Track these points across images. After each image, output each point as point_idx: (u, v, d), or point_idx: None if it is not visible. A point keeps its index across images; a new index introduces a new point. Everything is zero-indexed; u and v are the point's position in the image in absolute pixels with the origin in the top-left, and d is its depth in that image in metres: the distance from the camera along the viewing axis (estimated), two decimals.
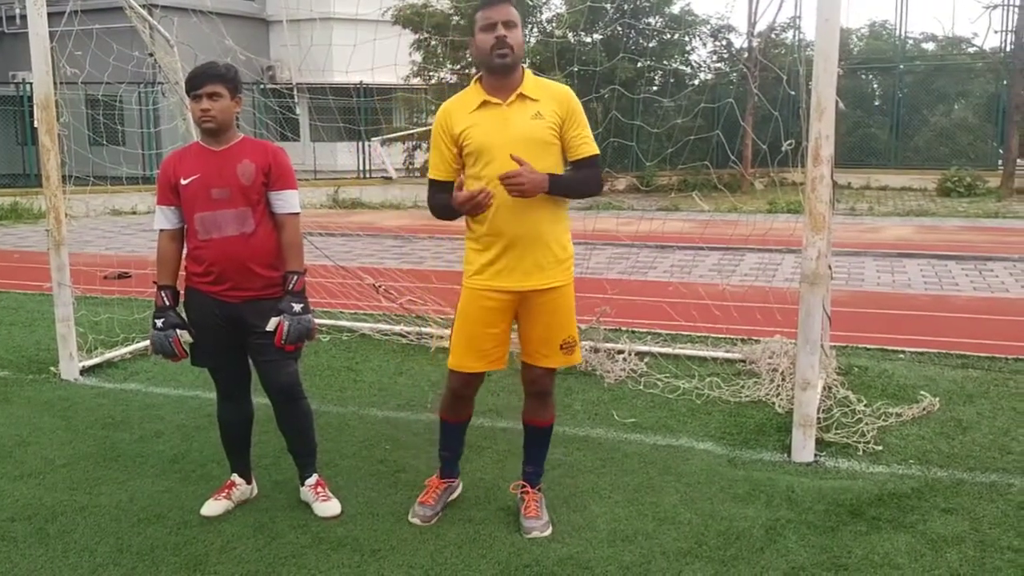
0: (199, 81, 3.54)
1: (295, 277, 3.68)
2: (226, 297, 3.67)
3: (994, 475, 4.19)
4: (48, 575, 3.34)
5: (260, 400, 3.92)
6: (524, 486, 3.75)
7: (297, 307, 3.65)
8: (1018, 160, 21.19)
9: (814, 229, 4.26)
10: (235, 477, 3.99)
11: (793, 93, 4.92)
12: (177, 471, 4.34)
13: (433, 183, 3.55)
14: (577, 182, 3.49)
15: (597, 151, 3.47)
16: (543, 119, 3.35)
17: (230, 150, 3.66)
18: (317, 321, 3.92)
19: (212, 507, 3.87)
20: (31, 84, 19.28)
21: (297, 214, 3.76)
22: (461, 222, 3.58)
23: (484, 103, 3.39)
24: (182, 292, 3.78)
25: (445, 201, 3.45)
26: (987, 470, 4.25)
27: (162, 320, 3.69)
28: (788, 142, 4.74)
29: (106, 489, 4.12)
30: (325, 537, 3.62)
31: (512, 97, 3.37)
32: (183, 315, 3.76)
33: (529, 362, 3.60)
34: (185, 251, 3.77)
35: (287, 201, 3.72)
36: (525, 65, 3.49)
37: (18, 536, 3.65)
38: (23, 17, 21.31)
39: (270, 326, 3.64)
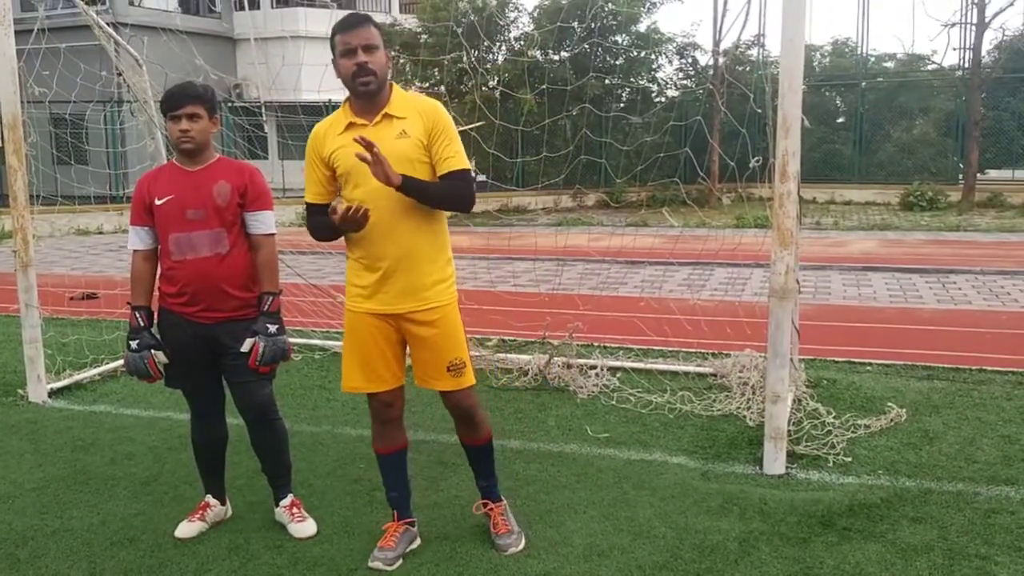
0: (178, 101, 3.54)
1: (270, 298, 3.67)
2: (200, 318, 3.65)
3: (961, 484, 4.26)
4: None
5: (233, 420, 3.90)
6: (486, 503, 3.75)
7: (272, 328, 3.65)
8: (978, 174, 21.63)
9: (782, 244, 4.33)
10: (209, 498, 3.96)
11: (760, 111, 5.00)
12: (149, 493, 4.31)
13: (309, 206, 3.51)
14: (437, 188, 3.34)
15: (465, 166, 3.36)
16: (408, 137, 3.29)
17: (206, 170, 3.65)
18: (289, 340, 3.91)
19: (186, 529, 3.84)
20: None
21: (273, 235, 3.76)
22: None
23: (350, 125, 3.35)
24: (156, 313, 3.76)
25: (322, 222, 3.42)
26: (954, 479, 4.32)
27: (137, 341, 3.67)
28: (756, 158, 4.82)
29: (77, 512, 4.08)
30: (301, 557, 3.61)
31: (378, 117, 3.32)
32: (157, 336, 3.74)
33: (420, 385, 3.57)
34: (159, 271, 3.76)
35: (263, 222, 3.71)
36: (397, 83, 3.45)
37: None
38: None
39: (245, 347, 3.63)
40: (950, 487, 4.23)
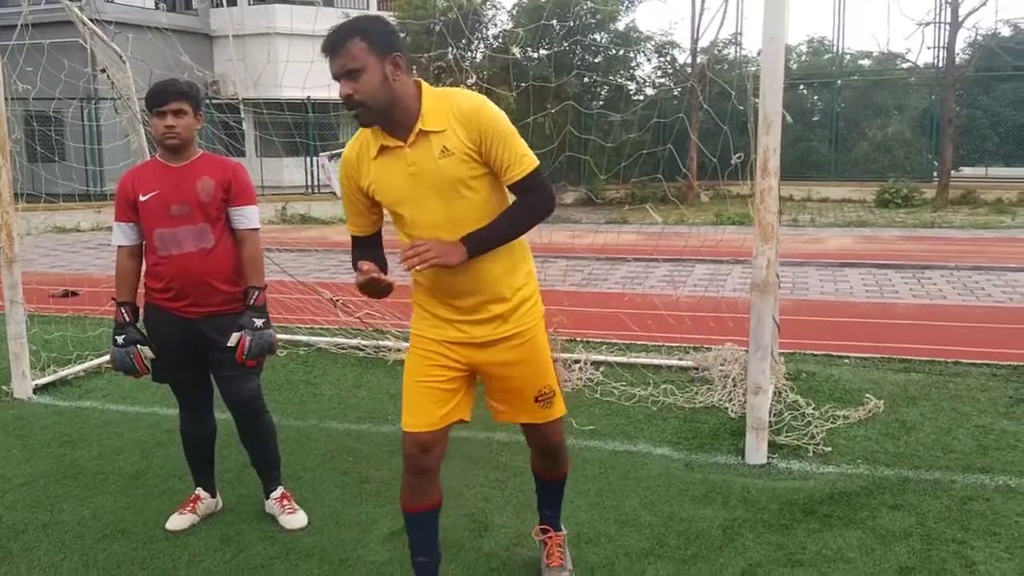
0: (163, 97, 3.57)
1: (256, 292, 3.71)
2: (186, 313, 3.69)
3: (937, 472, 4.37)
4: None
5: (221, 415, 3.93)
6: (546, 530, 3.40)
7: (258, 322, 3.68)
8: (952, 172, 21.91)
9: (763, 239, 4.42)
10: (199, 491, 4.00)
11: (742, 108, 5.09)
12: (139, 487, 4.33)
13: (354, 238, 3.03)
14: (512, 221, 2.81)
15: (533, 166, 2.77)
16: (451, 155, 2.72)
17: (189, 166, 3.68)
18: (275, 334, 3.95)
19: (177, 521, 3.87)
20: None
21: (257, 229, 3.79)
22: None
23: (383, 148, 2.78)
24: (141, 308, 3.79)
25: (366, 258, 2.87)
26: (931, 468, 4.43)
27: (123, 336, 3.70)
28: (737, 155, 4.91)
29: (67, 506, 4.10)
30: (293, 548, 3.65)
31: (412, 136, 2.73)
32: (143, 331, 3.77)
33: (501, 420, 3.12)
34: (144, 267, 3.78)
35: (247, 217, 3.75)
36: (423, 83, 2.79)
37: None
38: None
39: (231, 341, 3.66)
40: (927, 475, 4.34)
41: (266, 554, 3.60)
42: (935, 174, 22.68)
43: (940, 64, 23.06)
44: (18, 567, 3.51)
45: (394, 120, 2.73)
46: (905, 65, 24.71)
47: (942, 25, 22.12)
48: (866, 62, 26.92)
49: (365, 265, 2.76)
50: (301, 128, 20.34)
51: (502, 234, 2.81)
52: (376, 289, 2.79)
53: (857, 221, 18.23)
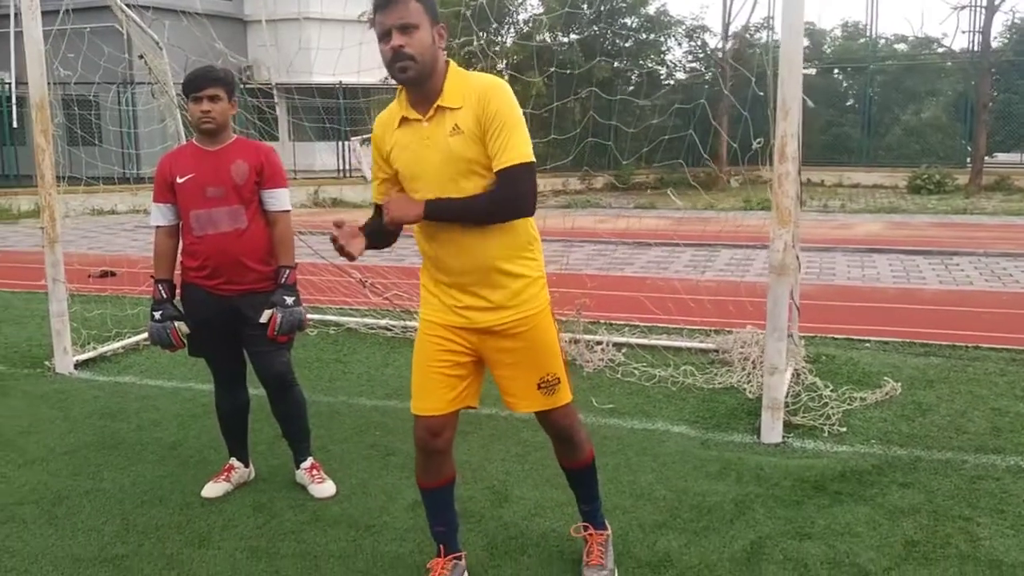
0: (200, 83, 3.73)
1: (287, 271, 3.88)
2: (221, 291, 3.86)
3: (950, 453, 4.45)
4: (59, 553, 3.52)
5: (254, 391, 4.11)
6: (586, 527, 3.36)
7: (289, 300, 3.85)
8: (986, 157, 21.69)
9: (780, 223, 4.51)
10: (233, 461, 4.18)
11: (762, 94, 5.17)
12: (176, 457, 4.53)
13: (375, 207, 3.07)
14: (472, 204, 2.79)
15: (521, 159, 2.75)
16: (460, 133, 2.76)
17: (224, 150, 3.85)
18: (305, 311, 4.11)
19: (212, 489, 4.06)
20: (8, 84, 19.26)
21: (288, 211, 3.96)
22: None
23: (404, 120, 2.86)
24: (179, 287, 3.97)
25: (376, 227, 2.98)
26: (943, 448, 4.52)
27: (160, 312, 3.88)
28: (757, 140, 4.99)
29: (108, 474, 4.31)
30: (322, 515, 3.83)
31: (431, 111, 2.80)
32: (179, 307, 3.95)
33: (510, 409, 3.13)
34: (181, 247, 3.96)
35: (279, 199, 3.91)
36: (451, 62, 2.87)
37: (27, 518, 3.82)
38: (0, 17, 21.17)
39: (263, 318, 3.83)
40: (939, 455, 4.42)
41: (296, 520, 3.78)
42: (968, 160, 22.44)
43: (975, 49, 22.77)
44: (62, 530, 3.72)
45: (424, 88, 2.79)
46: (940, 50, 24.44)
47: (978, 9, 21.85)
48: (902, 47, 26.64)
49: (344, 225, 2.82)
50: (333, 113, 20.57)
51: (464, 210, 2.80)
52: (338, 246, 2.82)
53: (888, 207, 18.13)
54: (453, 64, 2.86)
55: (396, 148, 2.90)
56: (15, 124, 18.86)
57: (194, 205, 3.81)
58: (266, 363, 3.95)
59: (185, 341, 3.94)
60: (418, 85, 2.79)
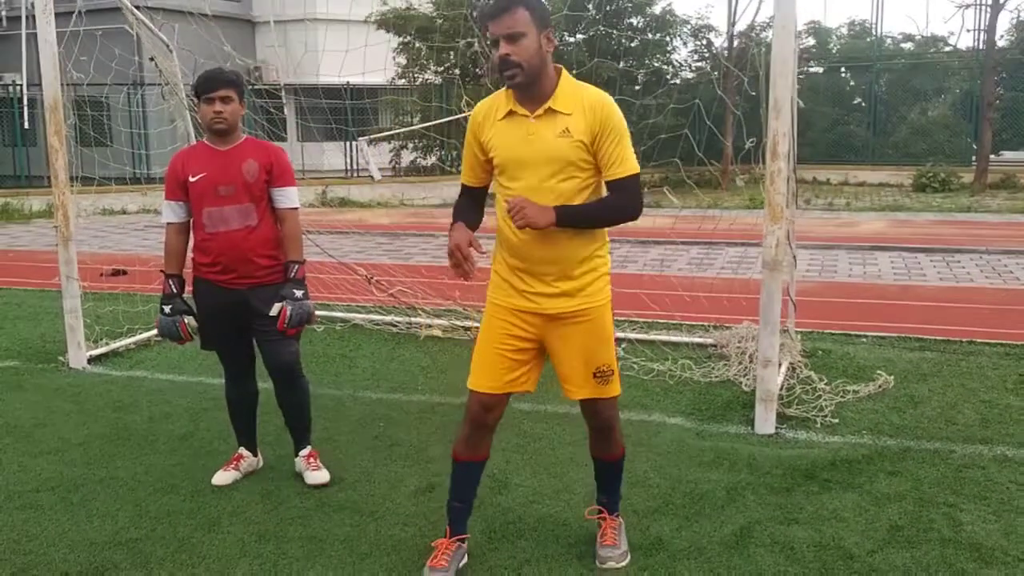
0: (212, 85, 3.88)
1: (296, 266, 4.03)
2: (232, 285, 4.00)
3: (938, 443, 4.58)
4: (76, 536, 3.67)
5: (263, 384, 4.26)
6: (601, 511, 3.54)
7: (298, 293, 4.00)
8: (993, 156, 21.72)
9: (772, 219, 4.63)
10: (242, 450, 4.33)
11: (754, 93, 5.29)
12: (187, 447, 4.68)
13: (463, 187, 3.32)
14: (599, 209, 3.12)
15: (633, 171, 3.06)
16: (570, 136, 3.01)
17: (235, 150, 3.99)
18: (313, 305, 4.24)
19: (222, 477, 4.21)
20: (21, 86, 19.44)
21: (296, 208, 4.11)
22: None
23: (511, 113, 3.09)
24: (190, 282, 4.11)
25: (466, 207, 3.26)
26: (932, 439, 4.64)
27: (170, 306, 4.04)
28: (750, 140, 5.11)
29: (122, 463, 4.46)
30: (327, 501, 3.97)
31: (540, 110, 3.04)
32: (188, 302, 4.09)
33: (565, 395, 3.34)
34: (192, 243, 4.11)
35: (288, 197, 4.06)
36: (563, 69, 3.12)
37: (44, 505, 3.98)
38: (10, 19, 21.33)
39: (273, 311, 3.97)
40: (928, 445, 4.55)
41: (302, 506, 3.93)
42: (974, 158, 22.46)
43: (981, 47, 22.80)
44: (78, 515, 3.87)
45: (532, 90, 3.04)
46: (946, 49, 24.47)
47: (983, 7, 21.89)
48: (908, 45, 26.65)
49: (464, 240, 3.02)
50: (340, 113, 20.73)
51: (589, 217, 3.11)
52: (458, 266, 3.03)
53: (893, 205, 18.19)
54: (565, 71, 3.11)
55: (497, 138, 3.12)
56: (26, 125, 19.06)
57: (206, 203, 3.95)
58: (275, 353, 4.08)
59: (193, 335, 4.08)
60: (525, 89, 3.04)
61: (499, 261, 3.26)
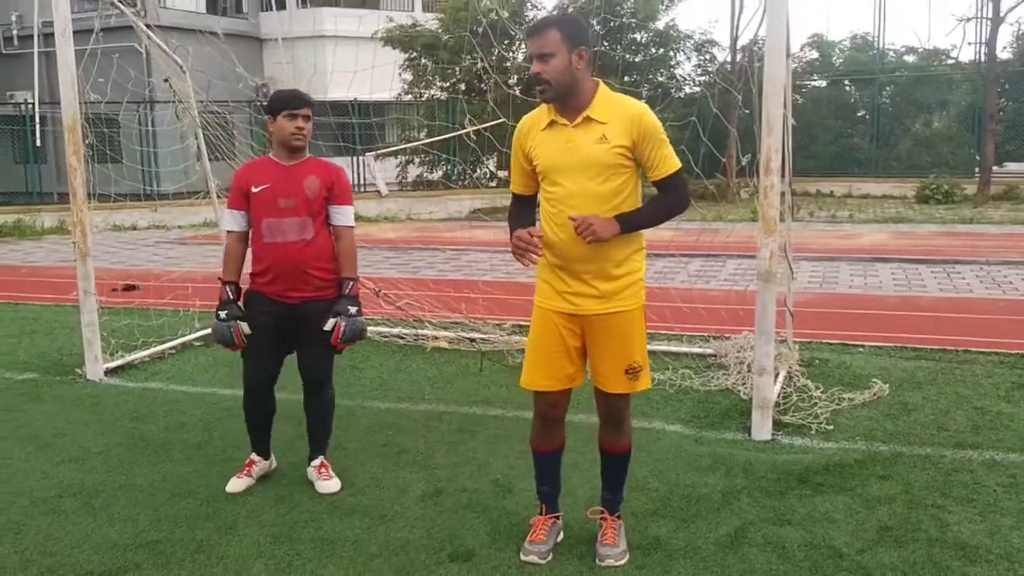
0: (297, 103, 4.11)
1: (350, 283, 4.22)
2: (284, 298, 4.18)
3: (930, 448, 4.72)
4: (98, 539, 3.84)
5: (279, 396, 4.43)
6: (602, 512, 3.72)
7: (352, 310, 4.18)
8: (996, 167, 21.84)
9: (766, 232, 4.80)
10: (254, 456, 4.48)
11: (748, 111, 5.46)
12: (202, 456, 4.85)
13: (514, 195, 3.61)
14: (653, 211, 3.40)
15: (676, 167, 3.36)
16: (607, 143, 3.27)
17: (299, 166, 4.21)
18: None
19: (235, 484, 4.37)
20: (32, 104, 19.73)
21: (352, 227, 4.30)
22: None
23: (552, 123, 3.37)
24: (242, 294, 4.27)
25: (520, 213, 3.56)
26: (924, 444, 4.78)
27: (225, 312, 4.21)
28: (746, 156, 5.28)
29: (140, 471, 4.63)
30: (339, 505, 4.13)
31: (579, 119, 3.31)
32: (243, 309, 4.24)
33: (596, 386, 3.57)
34: (250, 254, 4.29)
35: (345, 215, 4.27)
36: (600, 82, 3.38)
37: (67, 510, 4.15)
38: (21, 38, 21.64)
39: (328, 326, 4.14)
40: (919, 451, 4.69)
41: (314, 510, 4.09)
42: (977, 170, 22.58)
43: (982, 60, 22.96)
44: (100, 519, 4.04)
45: (568, 102, 3.31)
46: (949, 61, 24.63)
47: (984, 20, 22.07)
48: (911, 58, 26.82)
49: (524, 230, 3.31)
50: (347, 129, 20.97)
51: (645, 220, 3.39)
52: (522, 251, 3.30)
53: (895, 217, 18.31)
54: (603, 84, 3.37)
55: (539, 146, 3.39)
56: (38, 143, 19.33)
57: (266, 214, 4.15)
58: (314, 364, 4.29)
59: (246, 341, 4.22)
60: (557, 102, 3.33)
61: (543, 265, 3.50)
